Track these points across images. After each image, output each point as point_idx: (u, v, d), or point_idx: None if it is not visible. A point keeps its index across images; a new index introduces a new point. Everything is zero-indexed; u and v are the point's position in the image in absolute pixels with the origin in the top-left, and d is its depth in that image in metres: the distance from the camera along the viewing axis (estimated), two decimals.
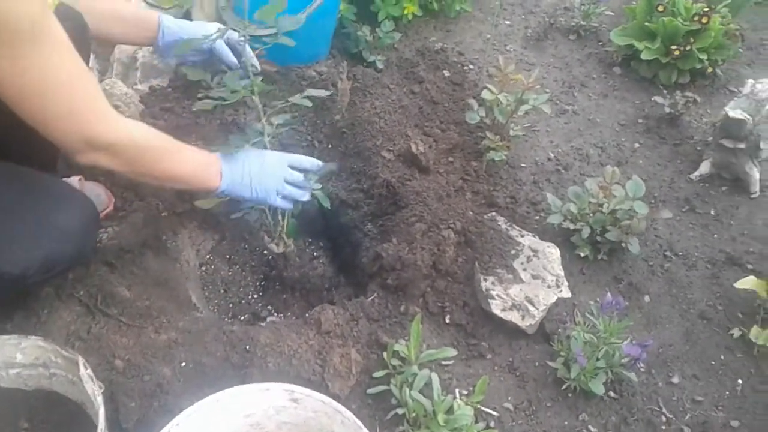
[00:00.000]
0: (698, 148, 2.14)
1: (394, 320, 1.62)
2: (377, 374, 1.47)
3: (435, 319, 1.64)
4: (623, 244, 1.72)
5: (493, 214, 1.80)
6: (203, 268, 1.92)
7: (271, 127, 1.53)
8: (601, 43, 2.51)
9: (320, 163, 1.56)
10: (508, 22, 2.61)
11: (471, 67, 2.37)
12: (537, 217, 1.88)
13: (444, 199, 1.82)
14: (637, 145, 2.14)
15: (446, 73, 2.31)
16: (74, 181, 1.76)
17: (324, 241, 2.04)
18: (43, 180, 1.31)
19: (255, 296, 1.93)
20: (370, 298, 1.66)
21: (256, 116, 1.52)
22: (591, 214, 1.73)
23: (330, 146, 2.02)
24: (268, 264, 1.98)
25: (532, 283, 1.62)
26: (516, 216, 1.86)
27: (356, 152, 1.96)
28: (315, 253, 1.98)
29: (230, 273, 1.96)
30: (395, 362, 1.48)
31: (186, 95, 2.09)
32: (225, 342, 1.45)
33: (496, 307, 1.58)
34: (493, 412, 1.46)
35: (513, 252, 1.67)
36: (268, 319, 1.62)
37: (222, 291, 1.92)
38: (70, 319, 1.39)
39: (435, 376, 1.43)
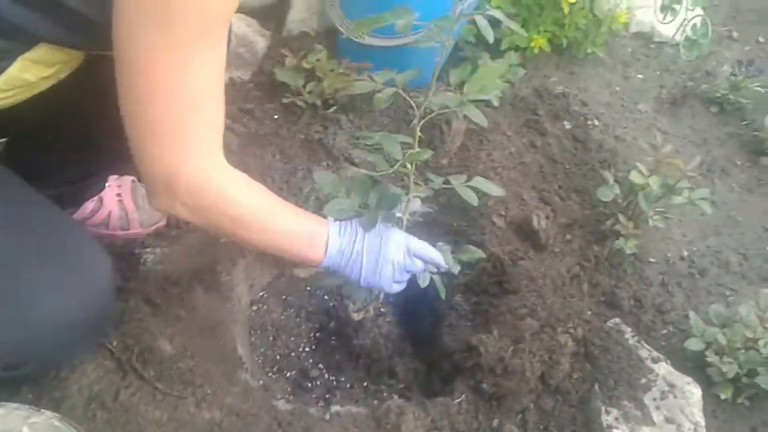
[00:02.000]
0: None
1: None
2: None
3: None
4: None
5: (617, 320, 1.47)
6: (254, 308, 1.61)
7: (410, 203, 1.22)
8: (746, 123, 2.15)
9: (444, 261, 1.24)
10: (640, 77, 2.26)
11: (596, 123, 2.03)
12: (665, 331, 1.54)
13: (560, 289, 1.49)
14: None
15: (567, 125, 1.98)
16: (126, 181, 1.46)
17: (398, 303, 1.71)
18: (47, 225, 1.04)
19: (306, 349, 1.61)
20: (456, 401, 1.33)
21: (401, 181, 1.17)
22: (743, 351, 1.40)
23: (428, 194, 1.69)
24: (327, 313, 1.67)
25: (665, 429, 1.29)
26: (640, 325, 1.52)
27: (460, 208, 1.63)
28: (386, 318, 1.66)
29: (283, 317, 1.64)
30: None
31: (269, 96, 1.78)
32: None
33: None
34: None
35: (644, 381, 1.34)
36: (333, 409, 1.31)
37: (271, 338, 1.60)
38: (95, 377, 1.09)
39: None
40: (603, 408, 1.30)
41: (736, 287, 1.66)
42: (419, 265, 1.21)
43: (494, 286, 1.50)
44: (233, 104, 1.69)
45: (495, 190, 1.23)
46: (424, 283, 1.26)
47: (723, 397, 1.41)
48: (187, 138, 0.90)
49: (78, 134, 1.19)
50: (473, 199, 1.18)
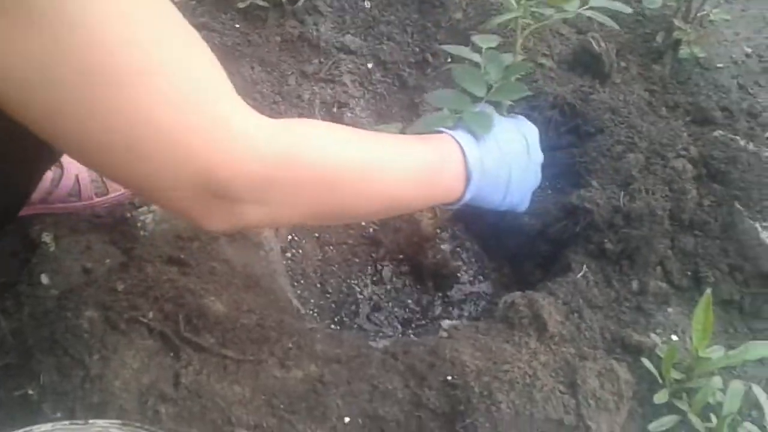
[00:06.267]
0: None
1: (627, 305, 1.04)
2: (658, 398, 0.89)
3: (686, 294, 1.06)
4: None
5: (720, 132, 1.22)
6: (287, 255, 1.30)
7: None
8: None
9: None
10: None
11: None
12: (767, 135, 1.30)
13: (645, 117, 1.23)
14: None
15: None
16: None
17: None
18: None
19: (365, 290, 1.32)
20: (579, 274, 1.06)
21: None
22: None
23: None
24: (373, 242, 1.37)
25: None
26: (739, 134, 1.28)
27: None
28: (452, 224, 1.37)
29: (323, 259, 1.34)
30: (676, 375, 0.90)
31: (220, 5, 1.44)
32: (404, 372, 0.84)
33: None
34: None
35: None
36: (445, 324, 1.03)
37: (317, 285, 1.30)
38: (139, 365, 0.76)
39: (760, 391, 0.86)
40: (757, 225, 1.05)
41: None
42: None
43: (570, 134, 1.23)
44: None
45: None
46: None
47: None
48: (208, 102, 0.56)
49: None
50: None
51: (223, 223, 0.62)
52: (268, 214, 0.63)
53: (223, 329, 0.83)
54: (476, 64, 0.87)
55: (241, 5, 1.40)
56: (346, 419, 0.79)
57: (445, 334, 0.94)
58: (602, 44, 1.24)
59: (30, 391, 0.71)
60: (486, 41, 0.90)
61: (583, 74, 1.28)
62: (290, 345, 0.86)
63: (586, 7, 0.94)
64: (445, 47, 0.93)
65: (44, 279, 0.94)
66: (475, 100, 0.84)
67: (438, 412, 0.80)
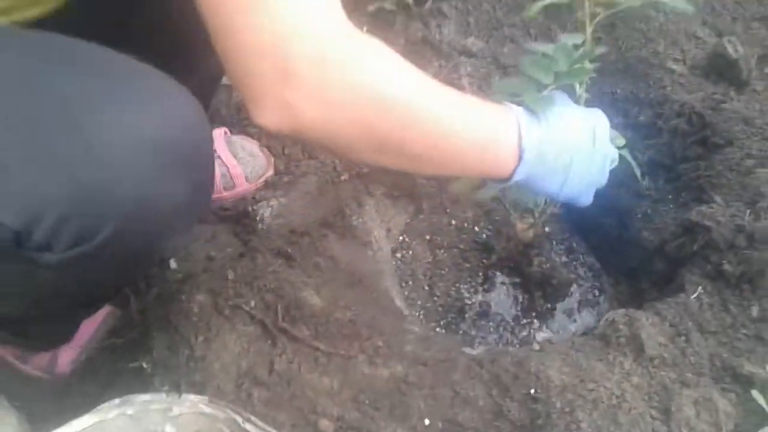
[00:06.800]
0: None
1: (744, 332, 0.96)
2: None
3: None
4: None
5: None
6: (398, 255, 1.34)
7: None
8: None
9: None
10: None
11: None
12: None
13: None
14: None
15: None
16: (218, 135, 1.22)
17: (562, 211, 1.39)
18: (119, 61, 0.64)
19: (472, 295, 1.32)
20: (693, 296, 1.00)
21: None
22: None
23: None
24: (485, 247, 1.37)
25: None
26: None
27: (621, 69, 1.28)
28: (560, 233, 1.34)
29: (433, 261, 1.36)
30: None
31: (352, 8, 1.49)
32: (488, 381, 0.85)
33: None
34: None
35: None
36: (539, 337, 1.02)
37: (426, 287, 1.32)
38: (239, 350, 0.84)
39: None
40: None
41: None
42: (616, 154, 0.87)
43: (696, 145, 1.15)
44: None
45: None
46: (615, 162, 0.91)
47: None
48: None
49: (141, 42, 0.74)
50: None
51: (277, 111, 0.60)
52: (323, 118, 0.61)
53: (317, 322, 0.88)
54: (548, 56, 0.85)
55: (370, 8, 1.46)
56: (426, 421, 0.81)
57: (536, 347, 0.93)
58: (740, 49, 1.15)
59: (144, 365, 0.81)
60: (572, 38, 0.87)
61: (718, 81, 1.19)
62: (380, 343, 0.90)
63: None
64: (532, 45, 0.92)
65: (173, 264, 1.05)
66: (541, 87, 0.82)
67: (517, 424, 0.80)
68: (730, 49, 1.14)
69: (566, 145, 0.76)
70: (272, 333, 0.86)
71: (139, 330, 0.87)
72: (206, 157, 0.69)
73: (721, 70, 1.18)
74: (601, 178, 0.81)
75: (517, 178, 0.75)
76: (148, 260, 0.79)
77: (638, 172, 0.96)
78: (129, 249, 0.63)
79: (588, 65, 0.86)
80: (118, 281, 0.76)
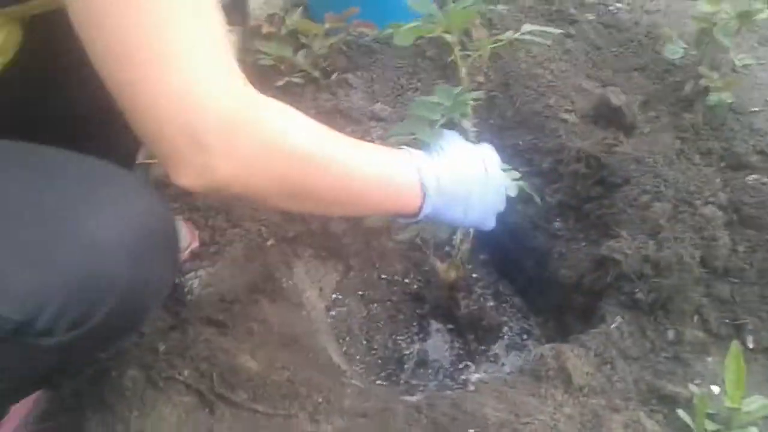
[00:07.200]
0: None
1: (664, 355, 1.03)
2: None
3: (726, 343, 1.04)
4: None
5: (755, 176, 1.21)
6: (332, 313, 1.35)
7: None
8: None
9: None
10: None
11: (618, 5, 1.80)
12: None
13: (672, 165, 1.24)
14: None
15: (589, 17, 1.75)
16: None
17: (487, 258, 1.45)
18: (85, 165, 0.72)
19: (409, 345, 1.35)
20: (613, 326, 1.06)
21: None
22: None
23: (478, 119, 1.45)
24: (416, 298, 1.40)
25: None
26: None
27: (519, 122, 1.38)
28: (479, 277, 1.40)
29: (368, 316, 1.39)
30: (711, 426, 0.88)
31: (260, 87, 1.54)
32: (427, 425, 0.87)
33: None
34: None
35: None
36: (474, 378, 1.05)
37: (364, 342, 1.34)
38: (176, 419, 0.83)
39: None
40: None
41: None
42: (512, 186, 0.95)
43: (597, 186, 1.24)
44: None
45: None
46: (514, 191, 0.98)
47: None
48: (198, 50, 0.63)
49: (55, 126, 0.84)
50: None
51: (193, 171, 0.64)
52: (237, 175, 0.65)
53: (254, 385, 0.88)
54: (434, 99, 0.95)
55: (279, 83, 1.51)
56: None
57: (471, 388, 0.96)
58: (622, 97, 1.27)
59: None
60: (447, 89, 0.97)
61: (607, 127, 1.30)
62: (320, 400, 0.91)
63: (519, 33, 0.99)
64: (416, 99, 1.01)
65: None
66: (432, 123, 0.90)
67: None
68: (613, 98, 1.26)
69: (462, 176, 0.84)
70: (209, 400, 0.85)
71: (73, 412, 0.84)
72: (174, 238, 0.78)
73: (608, 116, 1.29)
74: (499, 204, 0.90)
75: (425, 212, 0.82)
76: (131, 333, 0.85)
77: (537, 199, 1.06)
78: (119, 326, 0.72)
79: (468, 98, 0.95)
80: (98, 355, 0.87)
